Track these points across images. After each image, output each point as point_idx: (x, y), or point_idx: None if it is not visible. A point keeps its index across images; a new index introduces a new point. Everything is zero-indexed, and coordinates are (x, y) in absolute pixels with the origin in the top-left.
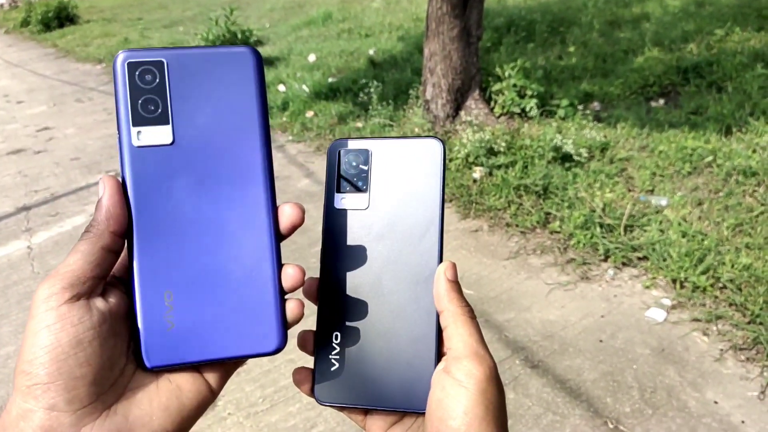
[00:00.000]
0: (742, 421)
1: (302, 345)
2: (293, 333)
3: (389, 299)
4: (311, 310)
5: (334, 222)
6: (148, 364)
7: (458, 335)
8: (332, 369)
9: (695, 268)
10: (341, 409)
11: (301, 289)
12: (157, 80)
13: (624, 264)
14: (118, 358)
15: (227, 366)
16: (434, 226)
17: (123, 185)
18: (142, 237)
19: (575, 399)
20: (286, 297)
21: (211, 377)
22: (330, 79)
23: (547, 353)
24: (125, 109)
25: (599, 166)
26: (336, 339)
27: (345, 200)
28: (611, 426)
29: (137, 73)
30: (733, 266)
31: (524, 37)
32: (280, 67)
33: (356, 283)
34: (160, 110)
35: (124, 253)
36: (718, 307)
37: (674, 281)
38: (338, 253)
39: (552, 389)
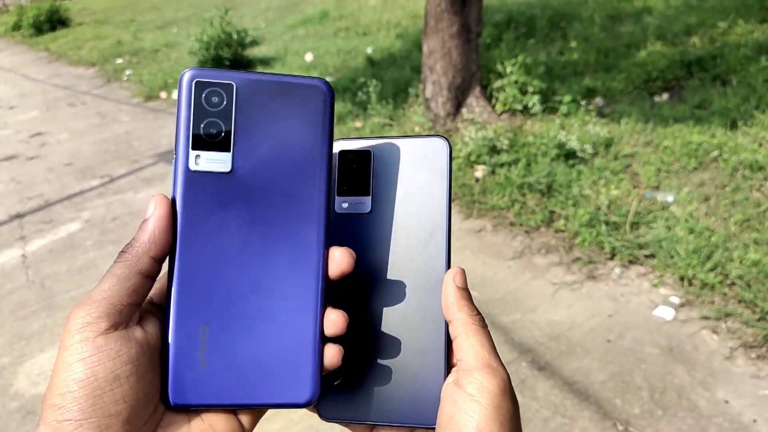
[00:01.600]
0: (754, 420)
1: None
2: None
3: (395, 307)
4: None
5: (336, 227)
6: (171, 402)
7: (469, 346)
8: (336, 383)
9: (703, 265)
10: (346, 424)
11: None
12: (224, 104)
13: (631, 262)
14: (154, 395)
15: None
16: (441, 230)
17: (173, 208)
18: (185, 266)
19: (584, 401)
20: (326, 343)
21: (245, 418)
22: (327, 79)
23: (555, 355)
24: (186, 130)
25: (603, 163)
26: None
27: (346, 204)
28: (621, 428)
29: (204, 93)
30: (741, 262)
31: (525, 32)
32: (276, 67)
33: (359, 290)
34: (222, 136)
35: (163, 277)
36: (728, 305)
37: (682, 279)
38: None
39: (560, 391)
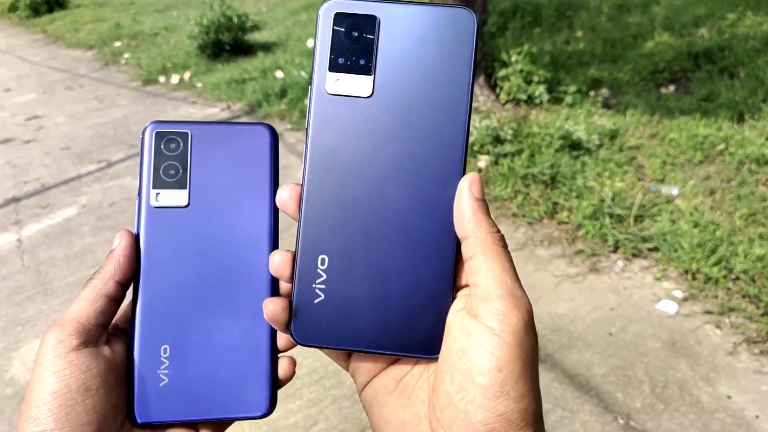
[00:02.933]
0: (756, 416)
1: (277, 269)
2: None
3: (394, 214)
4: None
5: (324, 111)
6: (138, 420)
7: (488, 269)
8: (316, 301)
9: (707, 259)
10: (325, 350)
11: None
12: (180, 149)
13: (634, 255)
14: (122, 408)
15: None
16: (460, 118)
17: (137, 240)
18: (147, 290)
19: (585, 394)
20: (279, 355)
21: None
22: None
23: (556, 347)
24: (148, 173)
25: (608, 155)
26: (322, 264)
27: (340, 83)
28: (621, 422)
29: (163, 141)
30: (746, 257)
31: (530, 21)
32: (277, 53)
33: (352, 193)
34: (179, 176)
35: (127, 305)
36: (731, 299)
37: (686, 273)
38: (329, 152)
39: (561, 384)
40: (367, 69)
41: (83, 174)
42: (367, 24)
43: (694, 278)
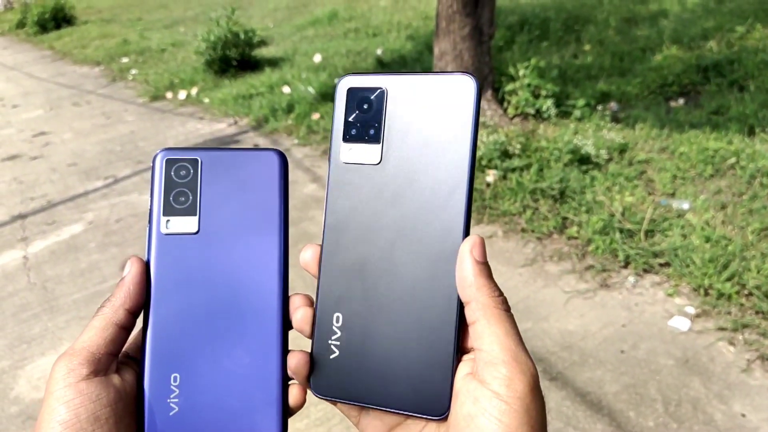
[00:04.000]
0: None
1: (299, 326)
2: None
3: (403, 277)
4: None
5: (340, 179)
6: None
7: (492, 334)
8: (332, 356)
9: (720, 275)
10: (340, 404)
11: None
12: (191, 176)
13: (645, 271)
14: None
15: None
16: (462, 187)
17: (147, 268)
18: (158, 318)
19: (597, 413)
20: (290, 383)
21: None
22: (336, 80)
23: (567, 365)
24: (158, 200)
25: (618, 169)
26: (337, 321)
27: (353, 152)
28: None
29: (174, 168)
30: (759, 272)
31: (538, 35)
32: (284, 68)
33: (364, 255)
34: (189, 203)
35: (138, 333)
36: (745, 315)
37: (698, 288)
38: (344, 217)
39: (572, 403)
40: (376, 138)
41: (90, 190)
42: (376, 96)
43: (706, 294)
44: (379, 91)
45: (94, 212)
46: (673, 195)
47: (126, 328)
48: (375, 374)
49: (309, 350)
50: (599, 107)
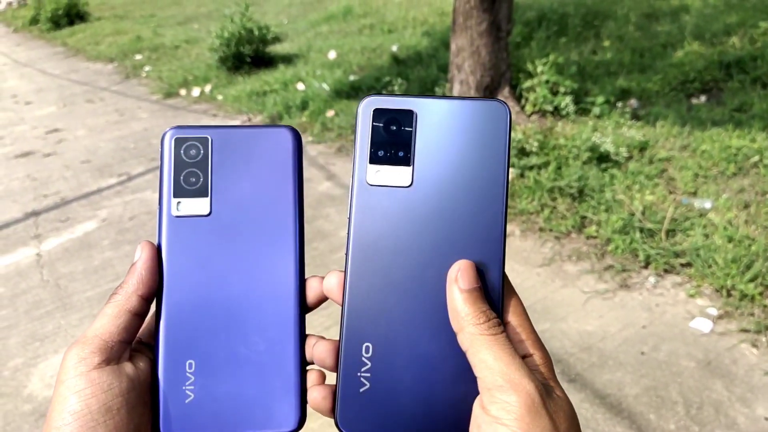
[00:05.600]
0: None
1: (320, 359)
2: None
3: (434, 302)
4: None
5: (366, 202)
6: None
7: (481, 362)
8: (361, 390)
9: (743, 275)
10: None
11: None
12: (201, 155)
13: (666, 271)
14: (144, 427)
15: None
16: (496, 212)
17: (159, 252)
18: (171, 304)
19: (616, 415)
20: (308, 368)
21: None
22: (351, 77)
23: (585, 366)
24: (168, 181)
25: (638, 167)
26: (366, 352)
27: (381, 174)
28: None
29: (183, 147)
30: None
31: (556, 31)
32: (299, 65)
33: (394, 281)
34: (200, 183)
35: (151, 319)
36: None
37: (720, 289)
38: (371, 241)
39: (591, 405)
40: (407, 161)
41: (103, 187)
42: (406, 118)
43: (729, 295)
44: (409, 113)
45: (107, 209)
46: (694, 194)
47: (139, 314)
48: (407, 407)
49: (333, 384)
50: (619, 104)
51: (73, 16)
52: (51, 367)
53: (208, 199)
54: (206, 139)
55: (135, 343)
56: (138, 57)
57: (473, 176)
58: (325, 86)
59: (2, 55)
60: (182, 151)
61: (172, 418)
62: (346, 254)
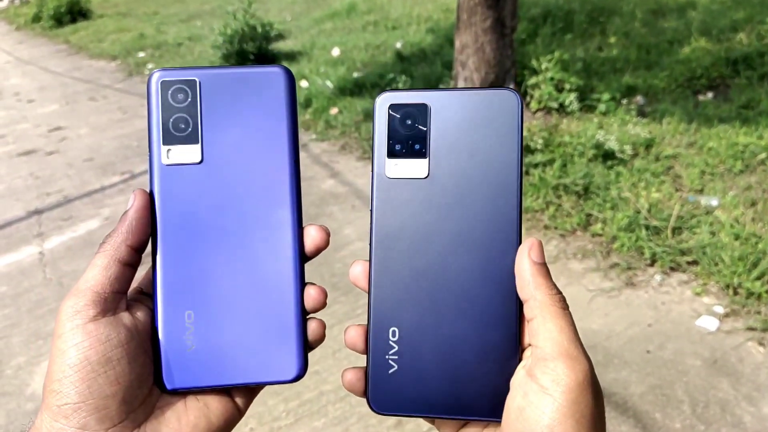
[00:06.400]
0: None
1: (351, 343)
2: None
3: (457, 285)
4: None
5: (386, 194)
6: (167, 387)
7: (546, 331)
8: (390, 371)
9: (749, 273)
10: (399, 416)
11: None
12: (189, 99)
13: (672, 269)
14: (147, 377)
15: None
16: (511, 196)
17: (152, 201)
18: (167, 254)
19: (621, 414)
20: (308, 317)
21: (238, 396)
22: (355, 74)
23: None
24: (156, 128)
25: (644, 164)
26: (393, 336)
27: (399, 167)
28: None
29: (170, 91)
30: None
31: (561, 28)
32: (302, 62)
33: (417, 267)
34: (190, 129)
35: (150, 268)
36: None
37: (727, 287)
38: (393, 231)
39: None
40: (423, 153)
41: (106, 186)
42: (420, 112)
43: (735, 293)
44: (422, 106)
45: (110, 208)
46: (701, 191)
47: (130, 264)
48: (435, 385)
49: (363, 366)
50: (625, 101)
51: (76, 14)
52: None
53: (198, 146)
54: (194, 81)
55: (135, 293)
56: (141, 54)
57: (487, 164)
58: (329, 83)
59: (4, 52)
60: (169, 95)
61: (173, 368)
62: (370, 244)
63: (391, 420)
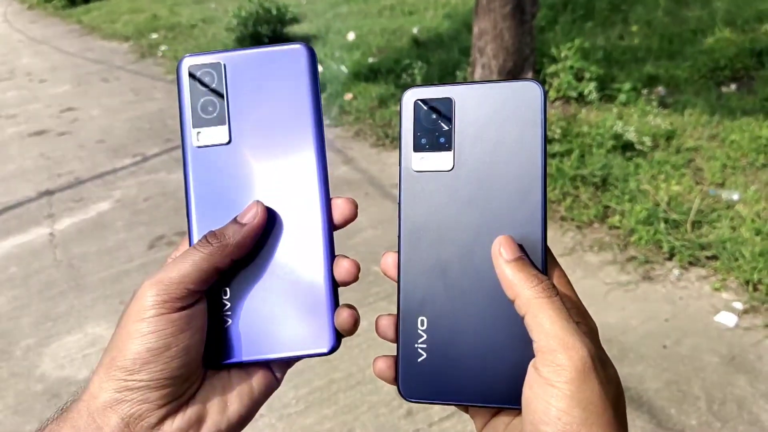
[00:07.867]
0: None
1: (382, 332)
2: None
3: (482, 275)
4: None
5: (412, 187)
6: (213, 363)
7: (537, 325)
8: (419, 360)
9: None
10: (429, 403)
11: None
12: (215, 82)
13: (691, 263)
14: (199, 358)
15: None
16: (535, 186)
17: (186, 184)
18: (202, 231)
19: (636, 410)
20: (340, 305)
21: (275, 365)
22: (370, 60)
23: None
24: (187, 112)
25: (664, 156)
26: (422, 325)
27: (425, 161)
28: None
29: (198, 75)
30: None
31: (582, 15)
32: (317, 47)
33: (444, 257)
34: (217, 111)
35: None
36: None
37: (747, 283)
38: (420, 223)
39: None
40: (447, 146)
41: (118, 168)
42: (444, 106)
43: (755, 289)
44: (447, 101)
45: (121, 190)
46: (722, 185)
47: (223, 272)
48: (463, 372)
49: (393, 355)
50: (645, 91)
51: None
52: (63, 348)
53: (226, 126)
54: (219, 64)
55: None
56: (154, 36)
57: (511, 155)
58: (344, 68)
59: (17, 32)
60: (197, 79)
61: (213, 344)
62: (399, 236)
63: (402, 409)
